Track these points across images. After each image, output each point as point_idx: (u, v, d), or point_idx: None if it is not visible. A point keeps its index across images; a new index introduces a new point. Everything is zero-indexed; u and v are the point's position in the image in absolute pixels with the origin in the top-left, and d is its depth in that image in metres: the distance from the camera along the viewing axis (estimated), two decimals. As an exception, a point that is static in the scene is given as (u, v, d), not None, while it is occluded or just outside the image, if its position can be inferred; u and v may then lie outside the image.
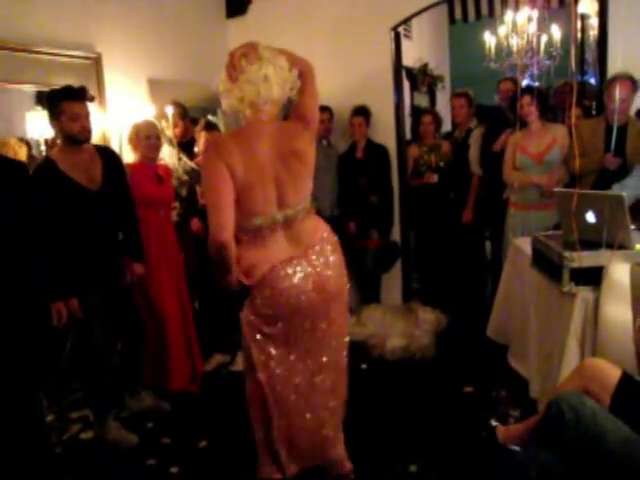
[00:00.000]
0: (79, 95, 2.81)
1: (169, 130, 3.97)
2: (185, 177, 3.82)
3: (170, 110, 3.91)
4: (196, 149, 3.92)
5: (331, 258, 2.30)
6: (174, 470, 2.75)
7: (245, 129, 2.22)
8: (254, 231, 2.20)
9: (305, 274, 2.22)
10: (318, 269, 2.24)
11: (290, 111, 2.31)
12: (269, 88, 2.09)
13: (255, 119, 2.16)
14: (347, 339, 2.46)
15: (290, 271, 2.20)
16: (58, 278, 2.64)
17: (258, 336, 2.27)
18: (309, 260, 2.24)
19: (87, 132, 2.84)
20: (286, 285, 2.19)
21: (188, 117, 4.14)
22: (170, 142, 3.97)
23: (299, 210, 2.24)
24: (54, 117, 2.78)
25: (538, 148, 3.77)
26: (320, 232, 2.32)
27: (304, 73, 2.19)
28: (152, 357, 3.41)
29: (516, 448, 2.27)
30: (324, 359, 2.36)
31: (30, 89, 3.39)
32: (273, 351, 2.28)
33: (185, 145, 4.03)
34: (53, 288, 2.63)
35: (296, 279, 2.20)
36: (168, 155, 3.96)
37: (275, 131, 2.19)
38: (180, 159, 3.91)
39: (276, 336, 2.27)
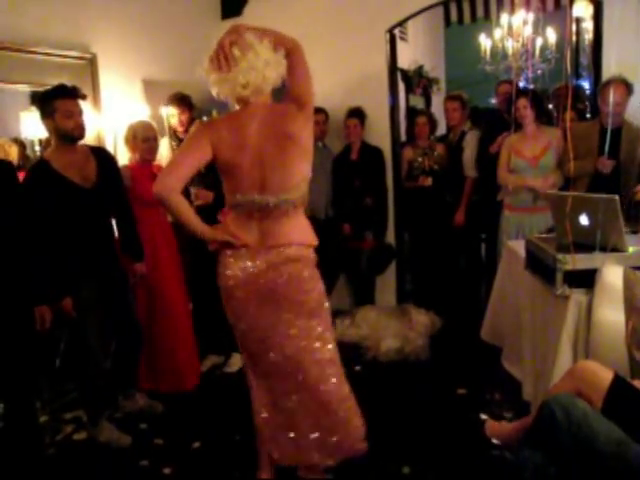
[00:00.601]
0: (72, 93, 2.81)
1: (174, 119, 3.97)
2: None
3: (165, 111, 3.90)
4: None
5: (289, 270, 2.24)
6: (167, 471, 2.74)
7: (238, 112, 2.25)
8: (235, 208, 2.26)
9: (252, 271, 2.24)
10: (269, 274, 2.24)
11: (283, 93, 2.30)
12: (271, 71, 2.13)
13: (248, 103, 2.19)
14: (318, 356, 2.31)
15: (237, 261, 2.25)
16: (43, 281, 2.59)
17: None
18: (267, 256, 2.24)
19: (81, 129, 2.85)
20: (228, 272, 2.26)
21: (194, 109, 4.14)
22: (171, 133, 3.97)
23: (283, 200, 2.19)
24: (47, 116, 2.77)
25: (533, 151, 3.78)
26: (294, 237, 2.26)
27: (291, 51, 2.16)
28: (151, 360, 3.40)
29: (497, 442, 2.29)
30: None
31: (24, 89, 3.38)
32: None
33: None
34: (36, 292, 2.57)
35: (238, 270, 2.25)
36: (165, 147, 3.96)
37: (268, 113, 2.20)
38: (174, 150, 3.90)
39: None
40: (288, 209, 2.22)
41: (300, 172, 2.23)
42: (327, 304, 2.36)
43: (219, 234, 2.25)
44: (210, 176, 3.64)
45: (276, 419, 2.38)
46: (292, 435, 2.37)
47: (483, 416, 2.53)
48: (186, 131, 4.00)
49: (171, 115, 3.95)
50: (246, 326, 2.32)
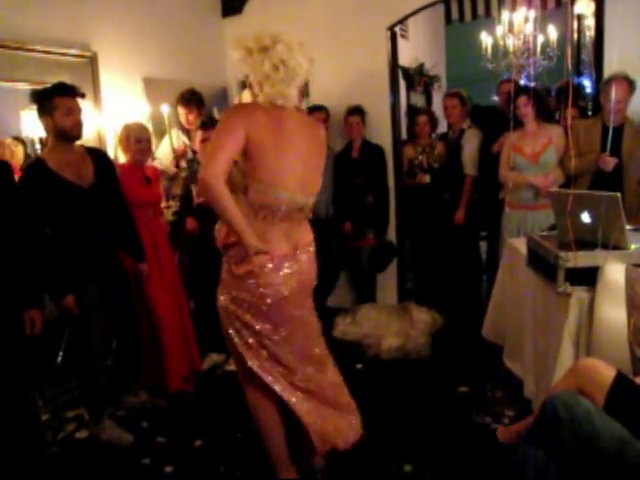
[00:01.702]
0: (71, 91, 2.81)
1: (182, 117, 3.96)
2: (184, 169, 3.81)
3: (165, 110, 3.90)
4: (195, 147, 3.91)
5: (309, 258, 2.34)
6: (169, 469, 2.75)
7: (270, 107, 2.15)
8: (259, 211, 2.17)
9: (292, 271, 2.25)
10: (303, 267, 2.30)
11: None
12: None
13: (279, 105, 2.15)
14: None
15: (279, 267, 2.22)
16: (35, 284, 2.54)
17: (237, 323, 2.27)
18: (297, 258, 2.27)
19: (80, 127, 2.84)
20: (271, 280, 2.20)
21: (204, 106, 4.13)
22: (181, 128, 3.97)
23: (307, 203, 2.27)
24: (46, 113, 2.76)
25: (534, 148, 3.78)
26: (310, 236, 2.37)
27: None
28: (148, 358, 3.41)
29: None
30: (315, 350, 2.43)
31: (25, 87, 3.37)
32: (256, 327, 2.26)
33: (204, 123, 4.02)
34: (26, 295, 2.49)
35: (282, 274, 2.23)
36: (175, 138, 3.96)
37: (302, 117, 2.30)
38: (186, 145, 3.90)
39: (255, 324, 2.27)
40: (307, 212, 2.31)
41: (319, 183, 2.35)
42: None
43: (262, 244, 2.16)
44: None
45: (312, 402, 2.39)
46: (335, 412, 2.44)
47: (493, 425, 2.51)
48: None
49: (180, 113, 3.95)
50: (287, 332, 2.30)
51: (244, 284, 2.21)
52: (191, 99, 3.99)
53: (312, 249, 2.37)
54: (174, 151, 3.89)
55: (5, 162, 2.59)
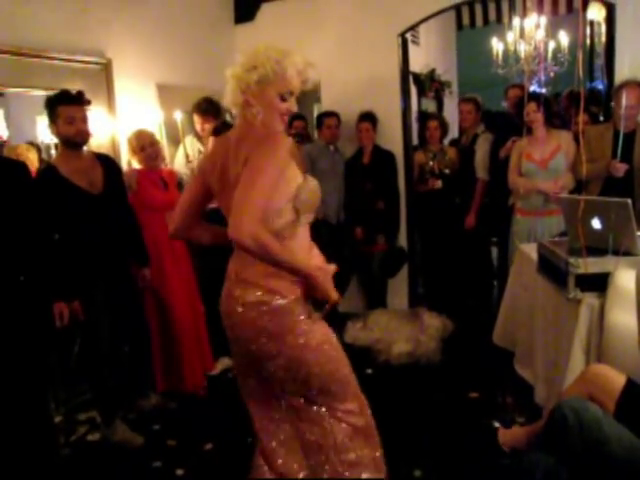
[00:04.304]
0: (74, 99, 2.82)
1: (198, 125, 4.00)
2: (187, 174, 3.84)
3: (179, 116, 3.94)
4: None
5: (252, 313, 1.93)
6: (180, 472, 2.76)
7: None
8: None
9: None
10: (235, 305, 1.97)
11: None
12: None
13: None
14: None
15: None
16: (60, 278, 2.65)
17: None
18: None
19: (84, 135, 2.86)
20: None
21: (222, 115, 4.14)
22: (196, 135, 3.99)
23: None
24: (52, 121, 2.81)
25: (543, 154, 3.78)
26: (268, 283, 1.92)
27: None
28: (164, 361, 3.44)
29: (507, 450, 2.30)
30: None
31: (40, 94, 3.42)
32: None
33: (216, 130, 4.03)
34: (54, 288, 2.63)
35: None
36: (189, 145, 3.98)
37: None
38: (200, 152, 3.93)
39: None
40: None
41: None
42: None
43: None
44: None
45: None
46: None
47: (496, 424, 2.52)
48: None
49: (196, 122, 3.98)
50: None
51: None
52: (208, 109, 3.98)
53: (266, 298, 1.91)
54: (187, 156, 3.92)
55: (22, 163, 2.64)
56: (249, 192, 1.71)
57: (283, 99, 1.90)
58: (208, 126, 4.03)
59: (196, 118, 4.04)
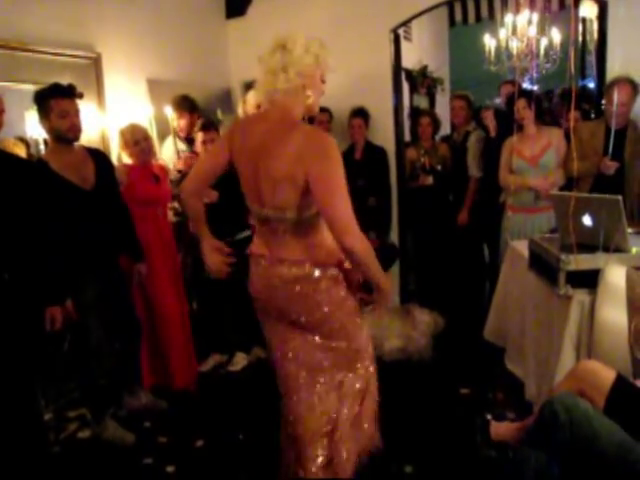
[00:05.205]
0: (67, 92, 2.78)
1: (174, 122, 3.97)
2: (177, 175, 3.81)
3: (169, 111, 3.91)
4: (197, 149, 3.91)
5: (297, 287, 2.09)
6: (170, 469, 2.76)
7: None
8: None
9: (260, 275, 2.17)
10: (273, 281, 2.12)
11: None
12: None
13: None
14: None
15: (255, 265, 2.19)
16: (53, 281, 2.60)
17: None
18: (272, 264, 2.12)
19: (77, 130, 2.82)
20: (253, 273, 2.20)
21: (197, 112, 4.12)
22: (173, 134, 3.96)
23: (276, 217, 2.04)
24: (43, 116, 2.76)
25: (533, 151, 3.78)
26: (296, 256, 2.09)
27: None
28: (152, 357, 3.43)
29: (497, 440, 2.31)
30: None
31: (29, 88, 3.39)
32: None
33: (191, 141, 4.02)
34: (47, 293, 2.57)
35: (256, 274, 2.19)
36: (168, 148, 3.96)
37: (268, 118, 2.08)
38: (177, 152, 3.89)
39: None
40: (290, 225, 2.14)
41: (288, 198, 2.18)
42: None
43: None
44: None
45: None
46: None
47: (488, 416, 2.53)
48: (190, 132, 4.00)
49: (172, 118, 3.95)
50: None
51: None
52: (181, 104, 3.95)
53: (299, 271, 2.08)
54: (178, 153, 3.89)
55: (30, 162, 2.60)
56: (338, 205, 1.90)
57: (323, 81, 2.07)
58: (183, 122, 4.01)
59: (172, 113, 4.01)
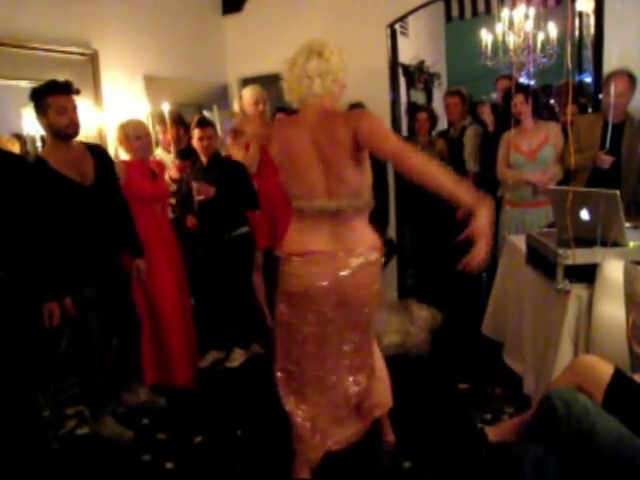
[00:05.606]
0: (64, 88, 2.75)
1: (159, 135, 3.96)
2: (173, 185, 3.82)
3: (166, 108, 3.90)
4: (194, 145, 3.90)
5: (359, 264, 2.31)
6: (169, 466, 2.75)
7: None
8: (297, 212, 2.32)
9: (325, 272, 2.27)
10: (342, 272, 2.28)
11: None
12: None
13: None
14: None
15: (307, 264, 2.28)
16: (51, 277, 2.60)
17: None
18: (336, 260, 2.28)
19: (75, 126, 2.79)
20: (301, 272, 2.29)
21: (181, 124, 4.11)
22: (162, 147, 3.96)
23: (333, 206, 2.25)
24: (41, 113, 2.73)
25: (531, 146, 3.78)
26: (364, 242, 2.34)
27: None
28: (153, 353, 3.43)
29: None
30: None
31: (25, 85, 3.38)
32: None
33: (182, 153, 4.00)
34: (46, 288, 2.58)
35: (314, 272, 2.27)
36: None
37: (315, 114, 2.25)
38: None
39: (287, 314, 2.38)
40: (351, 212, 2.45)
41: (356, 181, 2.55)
42: None
43: None
44: (213, 171, 3.66)
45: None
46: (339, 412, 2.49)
47: (480, 425, 2.53)
48: (178, 144, 3.99)
49: (159, 132, 3.94)
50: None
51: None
52: (165, 118, 3.96)
53: (366, 256, 2.32)
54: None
55: (20, 156, 2.59)
56: (392, 140, 2.23)
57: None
58: (168, 136, 4.01)
59: (157, 127, 4.01)
